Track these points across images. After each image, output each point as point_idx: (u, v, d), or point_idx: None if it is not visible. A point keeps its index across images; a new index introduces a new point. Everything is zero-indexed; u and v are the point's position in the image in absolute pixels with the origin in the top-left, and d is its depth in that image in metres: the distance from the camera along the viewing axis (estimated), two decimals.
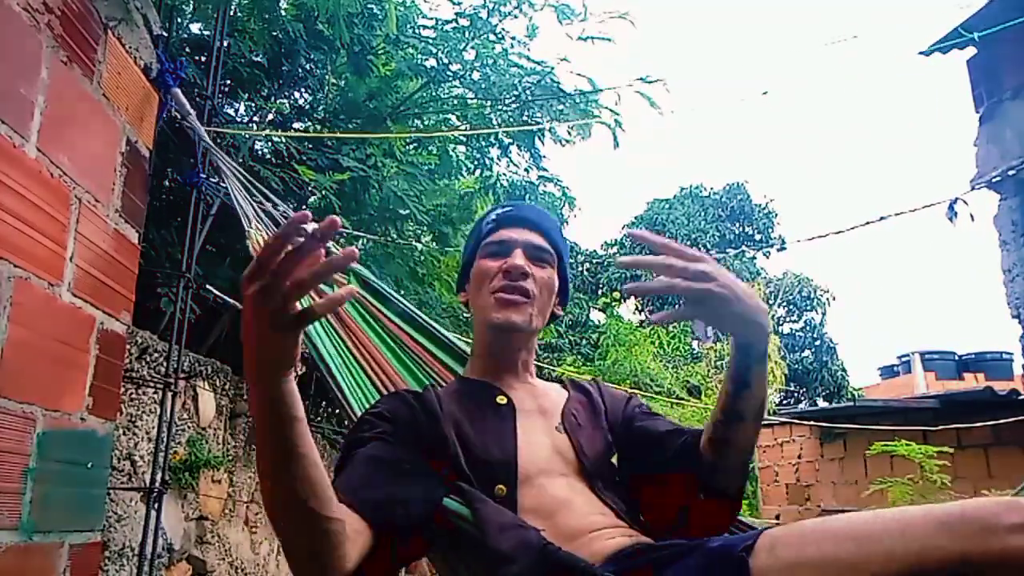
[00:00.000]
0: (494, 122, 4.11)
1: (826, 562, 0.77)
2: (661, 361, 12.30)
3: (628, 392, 1.34)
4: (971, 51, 4.38)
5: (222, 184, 2.38)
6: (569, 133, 4.05)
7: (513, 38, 3.89)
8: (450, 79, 3.92)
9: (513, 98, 3.91)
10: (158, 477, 2.13)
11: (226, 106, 3.47)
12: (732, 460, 1.02)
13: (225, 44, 2.82)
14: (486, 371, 1.21)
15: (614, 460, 1.16)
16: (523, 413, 1.15)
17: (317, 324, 1.62)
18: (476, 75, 3.91)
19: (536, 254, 1.18)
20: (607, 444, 1.16)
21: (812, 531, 0.82)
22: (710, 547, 0.88)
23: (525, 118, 4.02)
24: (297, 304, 0.71)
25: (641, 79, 3.62)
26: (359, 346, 1.62)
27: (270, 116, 3.73)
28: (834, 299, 17.94)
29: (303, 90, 3.93)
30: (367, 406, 1.38)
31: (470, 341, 1.40)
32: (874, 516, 0.80)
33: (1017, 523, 0.69)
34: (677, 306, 0.89)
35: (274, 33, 3.29)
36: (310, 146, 3.21)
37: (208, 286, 2.75)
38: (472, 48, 3.77)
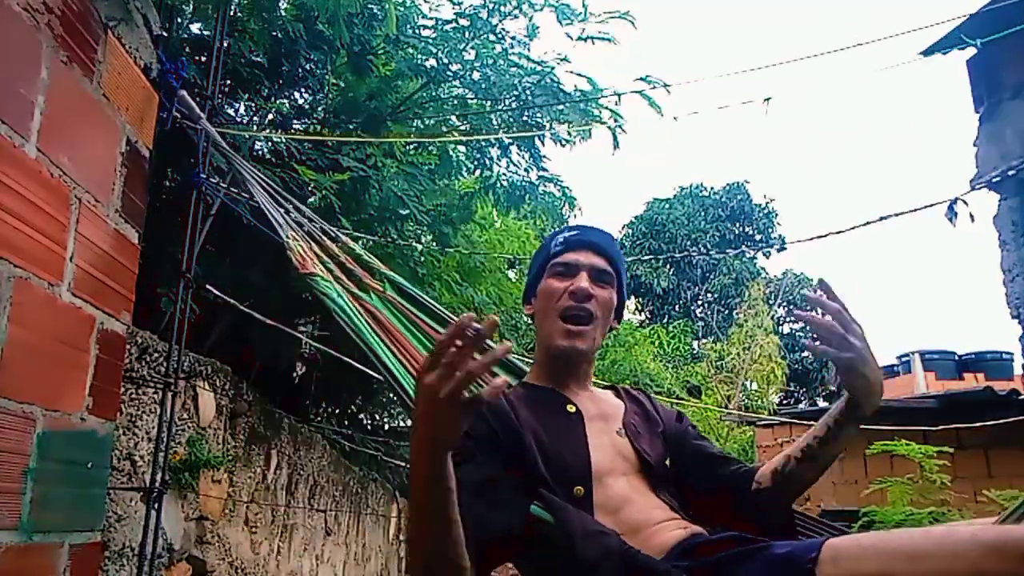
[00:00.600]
0: (494, 122, 4.10)
1: None
2: (661, 361, 12.31)
3: (677, 409, 1.46)
4: (971, 51, 4.38)
5: (222, 184, 2.38)
6: (569, 133, 4.05)
7: (513, 38, 3.89)
8: (450, 79, 3.92)
9: (513, 98, 3.90)
10: (158, 477, 2.13)
11: (226, 106, 3.47)
12: (787, 496, 1.18)
13: (225, 44, 2.82)
14: (551, 379, 1.31)
15: (668, 463, 1.27)
16: (589, 419, 1.25)
17: (363, 326, 1.68)
18: (476, 75, 3.90)
19: (599, 276, 1.28)
20: (663, 449, 1.28)
21: (871, 545, 0.91)
22: (775, 554, 0.96)
23: (525, 118, 4.02)
24: (464, 392, 0.83)
25: (642, 79, 3.62)
26: (401, 350, 1.69)
27: (270, 116, 3.73)
28: None
29: (303, 90, 3.93)
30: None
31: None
32: (925, 535, 0.89)
33: None
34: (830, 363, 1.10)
35: (274, 33, 3.29)
36: (310, 146, 3.21)
37: (208, 286, 2.74)
38: (472, 48, 3.77)
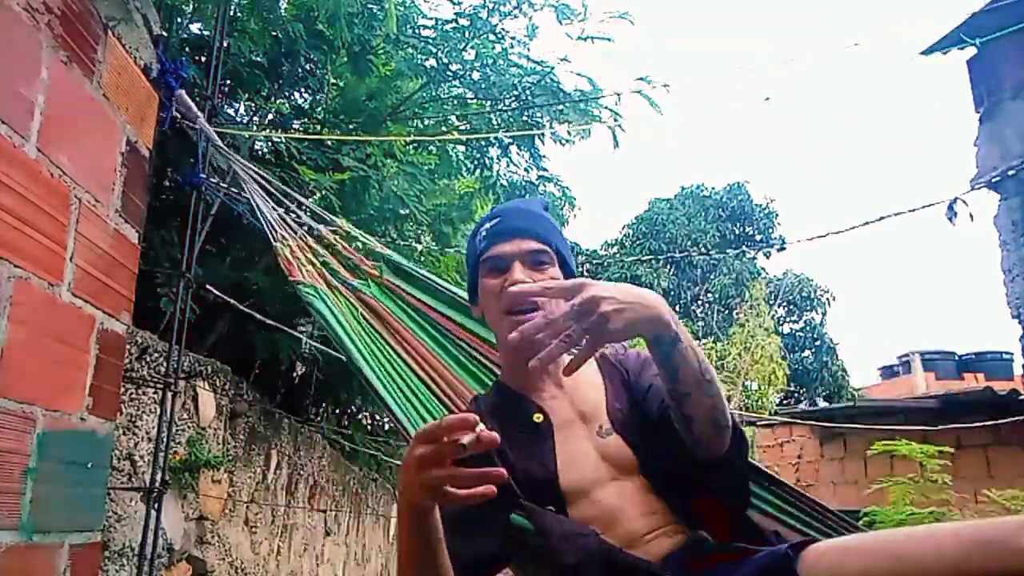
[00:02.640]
0: (494, 122, 4.10)
1: None
2: None
3: (640, 353, 1.30)
4: (971, 51, 4.38)
5: (222, 184, 2.38)
6: (569, 133, 4.05)
7: (513, 38, 3.89)
8: (450, 79, 3.92)
9: (513, 98, 3.91)
10: (158, 477, 2.13)
11: (226, 106, 3.47)
12: (702, 429, 1.05)
13: (225, 44, 2.82)
14: (519, 378, 1.23)
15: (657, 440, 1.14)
16: (562, 427, 1.16)
17: (351, 325, 1.61)
18: (476, 75, 3.91)
19: (534, 260, 1.20)
20: (649, 426, 1.14)
21: (853, 547, 0.89)
22: (758, 561, 0.95)
23: (525, 118, 4.02)
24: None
25: (642, 79, 3.62)
26: (405, 345, 1.59)
27: (270, 116, 3.73)
28: (834, 299, 17.97)
29: (303, 90, 3.93)
30: (420, 420, 1.45)
31: None
32: (908, 534, 0.87)
33: None
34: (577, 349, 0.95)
35: (274, 33, 3.29)
36: (309, 146, 3.21)
37: (208, 286, 2.75)
38: (472, 48, 3.77)
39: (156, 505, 2.10)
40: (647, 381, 1.19)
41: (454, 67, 3.82)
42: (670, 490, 1.10)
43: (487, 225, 1.26)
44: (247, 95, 3.45)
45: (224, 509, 2.95)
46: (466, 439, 0.80)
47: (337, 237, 1.93)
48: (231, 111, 3.60)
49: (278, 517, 3.65)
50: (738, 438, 1.08)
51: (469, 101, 4.08)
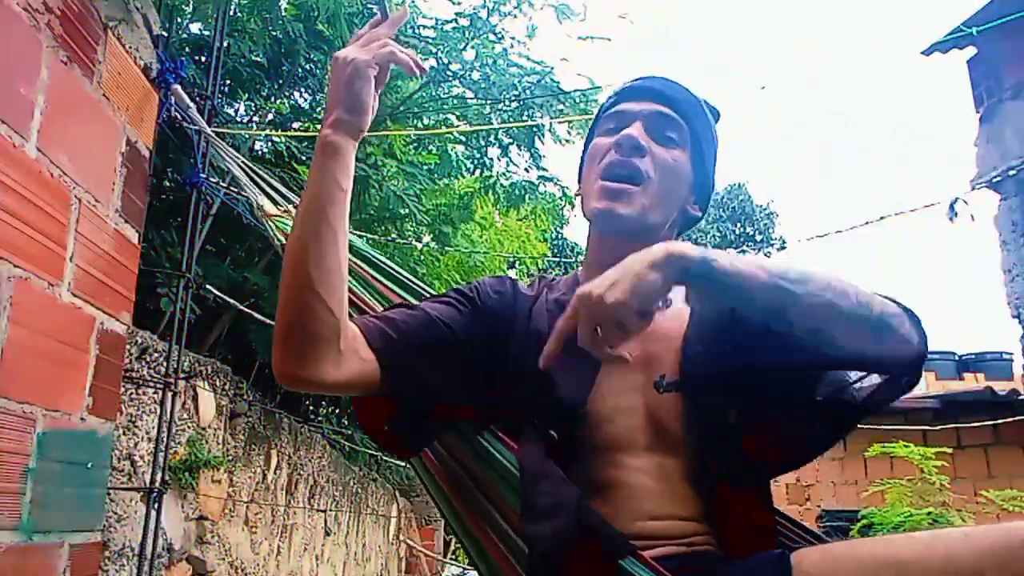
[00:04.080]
0: (494, 122, 4.11)
1: None
2: None
3: None
4: (971, 51, 4.39)
5: (222, 184, 2.38)
6: (569, 132, 4.05)
7: (513, 38, 3.90)
8: (450, 79, 3.92)
9: (513, 98, 3.91)
10: (158, 477, 2.13)
11: (226, 106, 3.47)
12: (861, 344, 0.78)
13: (225, 44, 2.82)
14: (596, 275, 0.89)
15: (733, 415, 0.87)
16: (614, 367, 0.83)
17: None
18: (476, 75, 3.91)
19: (659, 127, 0.95)
20: (732, 393, 0.86)
21: (843, 555, 0.77)
22: (751, 561, 0.81)
23: (525, 118, 4.02)
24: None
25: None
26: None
27: (270, 116, 3.73)
28: None
29: (303, 90, 3.93)
30: None
31: None
32: (910, 539, 0.76)
33: None
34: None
35: (274, 33, 3.29)
36: (309, 146, 3.21)
37: (208, 286, 2.75)
38: (472, 48, 3.77)
39: (156, 505, 2.10)
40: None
41: (454, 67, 3.83)
42: (711, 481, 0.87)
43: (622, 83, 1.03)
44: (247, 95, 3.45)
45: (224, 509, 2.95)
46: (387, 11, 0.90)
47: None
48: (231, 111, 3.60)
49: (278, 517, 3.65)
50: (915, 322, 0.81)
51: (469, 101, 4.08)
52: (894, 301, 0.81)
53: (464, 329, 0.93)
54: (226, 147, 2.15)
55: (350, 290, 1.36)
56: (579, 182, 1.04)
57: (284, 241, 1.77)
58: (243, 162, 2.08)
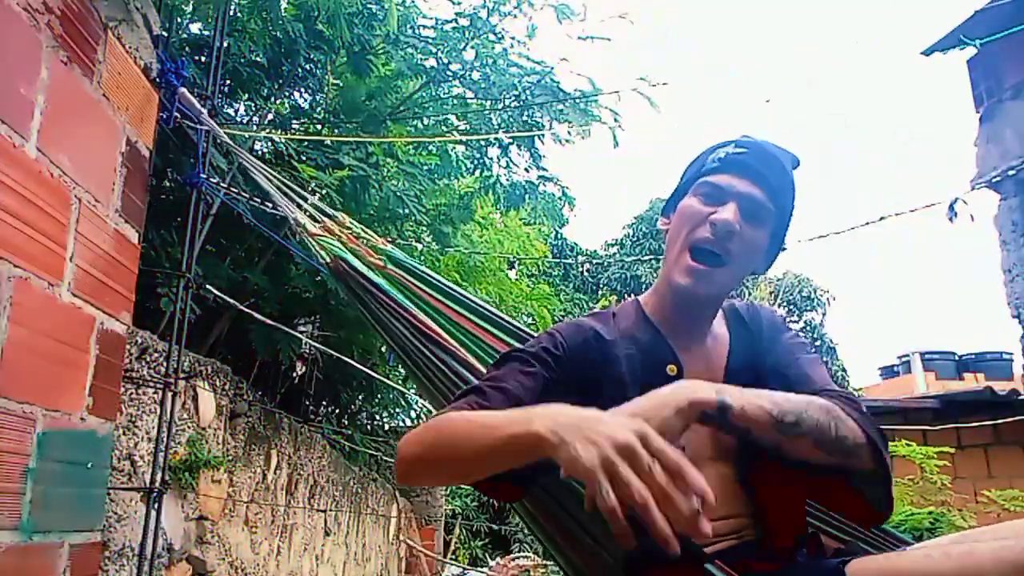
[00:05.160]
0: (494, 122, 4.11)
1: None
2: None
3: (781, 317, 1.20)
4: (971, 51, 4.39)
5: (222, 184, 2.38)
6: (569, 133, 4.05)
7: (513, 38, 3.90)
8: (450, 79, 3.92)
9: (513, 98, 3.91)
10: (158, 477, 2.13)
11: (226, 106, 3.47)
12: (821, 459, 0.94)
13: (225, 44, 2.82)
14: (664, 317, 1.12)
15: None
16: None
17: (371, 286, 1.69)
18: (476, 75, 3.91)
19: (753, 211, 1.06)
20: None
21: (891, 569, 0.84)
22: (810, 568, 0.92)
23: (525, 118, 4.02)
24: None
25: (641, 79, 3.62)
26: (417, 323, 1.64)
27: (270, 116, 3.73)
28: (834, 299, 17.95)
29: (303, 90, 3.93)
30: (435, 383, 1.48)
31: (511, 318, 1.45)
32: (946, 556, 0.82)
33: None
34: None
35: (274, 33, 3.29)
36: (309, 146, 3.21)
37: (208, 286, 2.75)
38: (472, 48, 3.77)
39: (156, 505, 2.10)
40: (773, 355, 1.10)
41: (454, 67, 3.83)
42: (758, 483, 1.02)
43: (730, 148, 1.11)
44: (247, 95, 3.45)
45: (224, 509, 2.95)
46: (685, 505, 0.72)
47: (343, 229, 1.97)
48: (231, 111, 3.60)
49: (278, 517, 3.65)
50: (874, 452, 0.96)
51: (469, 101, 4.08)
52: (863, 429, 0.95)
53: (558, 386, 1.03)
54: (257, 162, 2.16)
55: (402, 309, 1.52)
56: (664, 214, 1.18)
57: (327, 259, 1.82)
58: (273, 175, 2.09)
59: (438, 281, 1.75)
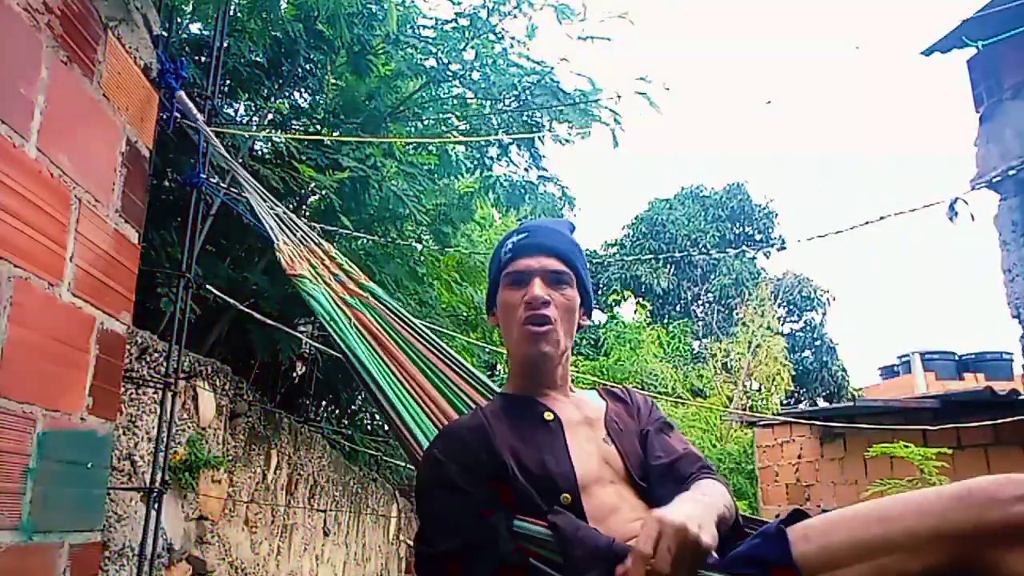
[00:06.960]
0: (494, 122, 4.10)
1: (858, 542, 0.89)
2: (664, 361, 12.30)
3: (651, 397, 1.41)
4: (971, 51, 4.38)
5: (222, 184, 2.38)
6: (569, 133, 4.05)
7: (513, 38, 3.89)
8: (450, 79, 3.92)
9: (513, 98, 3.91)
10: (158, 477, 2.13)
11: (226, 106, 3.47)
12: None
13: (225, 44, 2.82)
14: (527, 387, 1.29)
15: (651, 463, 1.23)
16: (570, 426, 1.22)
17: (364, 348, 1.65)
18: (476, 75, 3.91)
19: (554, 278, 1.25)
20: (641, 451, 1.23)
21: (838, 518, 0.94)
22: (744, 554, 0.99)
23: (525, 118, 4.02)
24: None
25: (641, 79, 3.62)
26: (394, 358, 1.64)
27: (270, 116, 3.73)
28: (834, 299, 17.95)
29: (303, 90, 3.93)
30: (414, 422, 1.50)
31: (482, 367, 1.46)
32: (892, 499, 0.93)
33: (1018, 495, 0.83)
34: None
35: (274, 33, 3.29)
36: (309, 146, 3.21)
37: (208, 286, 2.75)
38: (472, 48, 3.77)
39: (156, 505, 2.10)
40: (648, 425, 1.28)
41: (454, 67, 3.82)
42: (657, 499, 1.15)
43: (514, 238, 1.31)
44: (247, 95, 3.45)
45: (224, 509, 2.95)
46: None
47: (326, 255, 1.93)
48: (231, 111, 3.60)
49: (278, 517, 3.65)
50: (737, 511, 1.15)
51: (469, 101, 4.08)
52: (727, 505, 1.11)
53: (481, 494, 1.12)
54: (256, 184, 2.11)
55: (397, 350, 1.71)
56: (490, 312, 1.36)
57: (309, 296, 1.73)
58: (273, 204, 2.04)
59: (415, 323, 1.74)
